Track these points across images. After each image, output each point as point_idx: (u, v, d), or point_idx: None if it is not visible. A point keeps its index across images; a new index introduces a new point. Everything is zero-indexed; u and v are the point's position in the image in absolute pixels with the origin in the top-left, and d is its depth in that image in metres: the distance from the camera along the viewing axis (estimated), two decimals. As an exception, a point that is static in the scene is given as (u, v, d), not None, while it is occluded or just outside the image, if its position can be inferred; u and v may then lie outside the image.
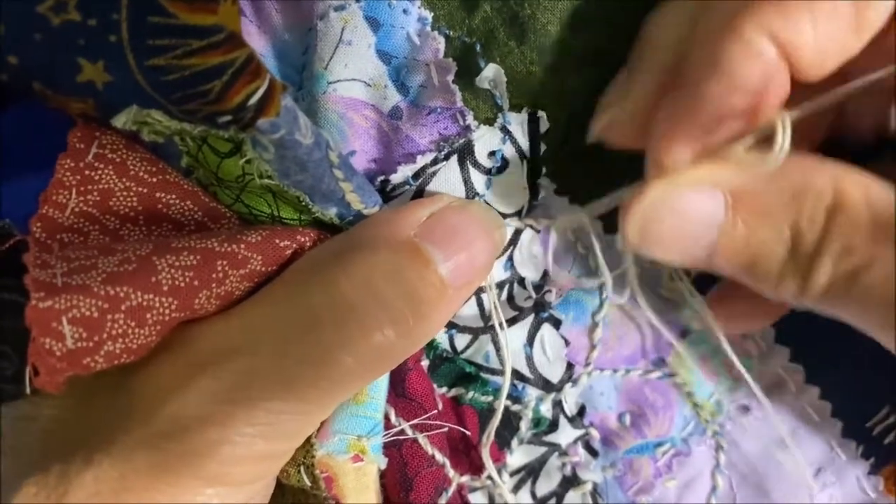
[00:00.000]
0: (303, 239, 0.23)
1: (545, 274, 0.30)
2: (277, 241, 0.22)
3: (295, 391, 0.21)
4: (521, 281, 0.30)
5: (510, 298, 0.30)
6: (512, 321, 0.30)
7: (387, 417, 0.28)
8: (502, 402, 0.28)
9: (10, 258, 0.20)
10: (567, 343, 0.30)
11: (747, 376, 0.31)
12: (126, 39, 0.18)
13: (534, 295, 0.30)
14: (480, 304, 0.30)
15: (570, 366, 0.31)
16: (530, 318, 0.30)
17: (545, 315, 0.30)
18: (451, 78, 0.26)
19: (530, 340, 0.30)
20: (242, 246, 0.22)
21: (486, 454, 0.29)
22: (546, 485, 0.32)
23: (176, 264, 0.20)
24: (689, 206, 0.22)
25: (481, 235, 0.24)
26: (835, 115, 0.25)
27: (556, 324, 0.30)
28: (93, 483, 0.20)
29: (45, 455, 0.20)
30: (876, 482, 0.32)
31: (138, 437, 0.20)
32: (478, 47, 0.26)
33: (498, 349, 0.30)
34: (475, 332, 0.30)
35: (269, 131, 0.20)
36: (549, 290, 0.30)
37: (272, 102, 0.20)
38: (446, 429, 0.28)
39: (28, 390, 0.19)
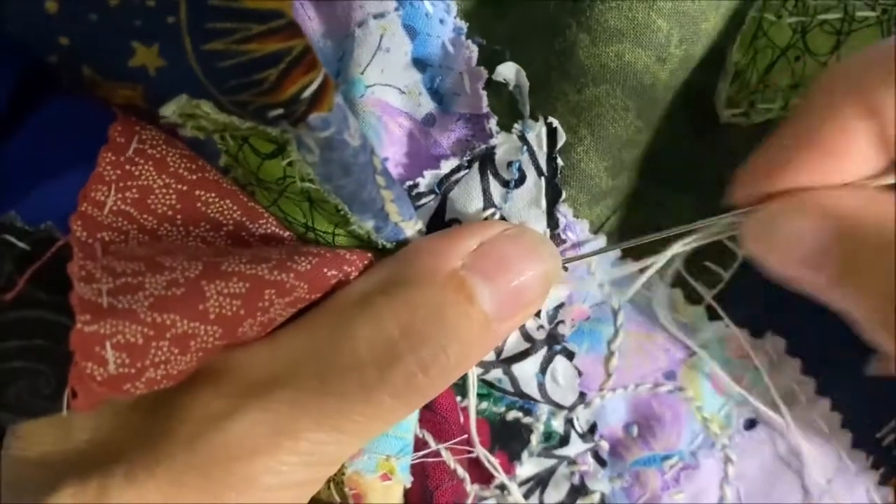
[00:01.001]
0: (349, 269, 0.23)
1: (560, 304, 0.30)
2: (325, 270, 0.22)
3: (336, 424, 0.21)
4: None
5: (521, 328, 0.30)
6: (523, 355, 0.29)
7: None
8: (473, 392, 0.28)
9: (51, 270, 0.19)
10: (580, 374, 0.30)
11: (751, 396, 0.32)
12: (184, 21, 0.17)
13: (547, 326, 0.29)
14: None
15: (582, 395, 0.31)
16: (542, 352, 0.29)
17: (558, 348, 0.30)
18: (481, 85, 0.26)
19: (543, 370, 0.30)
20: (292, 275, 0.21)
21: (478, 444, 0.28)
22: (555, 494, 0.32)
23: (225, 291, 0.20)
24: (799, 230, 0.22)
25: (533, 268, 0.24)
26: None
27: (570, 356, 0.30)
28: (136, 501, 0.19)
29: (82, 466, 0.20)
30: (886, 493, 0.32)
31: (184, 462, 0.20)
32: (507, 55, 0.26)
33: (511, 379, 0.29)
34: (486, 366, 0.29)
35: (319, 128, 0.20)
36: (562, 321, 0.29)
37: (325, 97, 0.19)
38: (473, 453, 0.28)
39: (65, 412, 0.19)
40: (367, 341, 0.21)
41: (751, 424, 0.33)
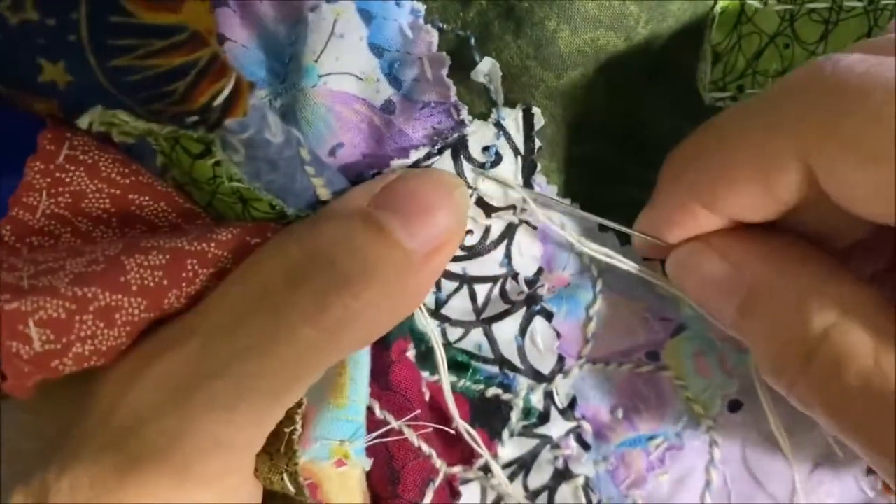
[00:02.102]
0: (272, 235, 0.23)
1: (540, 269, 0.30)
2: (248, 238, 0.22)
3: (253, 366, 0.20)
4: (515, 276, 0.30)
5: (503, 293, 0.30)
6: (503, 315, 0.30)
7: (371, 410, 0.28)
8: (439, 345, 0.28)
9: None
10: (559, 336, 0.30)
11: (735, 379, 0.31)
12: (86, 39, 0.18)
13: (526, 289, 0.29)
14: (473, 297, 0.29)
15: (560, 358, 0.30)
16: (522, 312, 0.30)
17: (537, 308, 0.30)
18: (444, 72, 0.25)
19: (522, 332, 0.30)
20: (213, 244, 0.21)
21: (458, 418, 0.29)
22: (538, 478, 0.32)
23: (145, 264, 0.20)
24: (713, 272, 0.24)
25: (440, 196, 0.23)
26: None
27: (548, 316, 0.30)
28: (69, 492, 0.19)
29: (32, 461, 0.20)
30: (874, 481, 0.31)
31: (101, 439, 0.20)
32: (472, 41, 0.26)
33: (491, 342, 0.30)
34: (467, 326, 0.30)
35: (237, 131, 0.20)
36: (542, 285, 0.30)
37: (239, 102, 0.19)
38: (430, 428, 0.28)
39: None
40: (275, 269, 0.21)
41: (735, 406, 0.32)
